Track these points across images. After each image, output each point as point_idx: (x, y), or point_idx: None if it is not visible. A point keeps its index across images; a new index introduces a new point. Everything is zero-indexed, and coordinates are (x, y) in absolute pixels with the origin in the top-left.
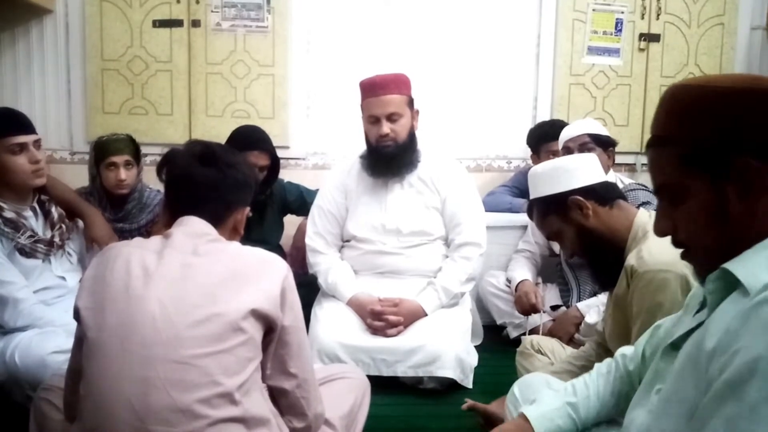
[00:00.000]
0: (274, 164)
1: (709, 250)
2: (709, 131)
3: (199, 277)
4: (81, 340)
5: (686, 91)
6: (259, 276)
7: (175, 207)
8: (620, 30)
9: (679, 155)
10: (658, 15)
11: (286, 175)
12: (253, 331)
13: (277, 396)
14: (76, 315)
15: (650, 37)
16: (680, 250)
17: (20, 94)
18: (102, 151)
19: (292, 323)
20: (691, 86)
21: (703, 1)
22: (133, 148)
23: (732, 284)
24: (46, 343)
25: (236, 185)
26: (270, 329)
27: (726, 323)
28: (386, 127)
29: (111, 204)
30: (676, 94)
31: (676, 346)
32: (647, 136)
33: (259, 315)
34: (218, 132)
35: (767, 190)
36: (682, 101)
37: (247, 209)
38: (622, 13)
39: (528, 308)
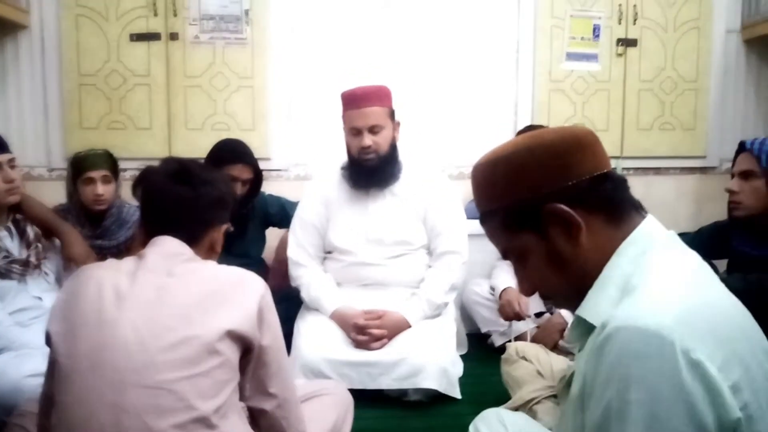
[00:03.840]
0: (257, 178)
1: (565, 295)
2: (511, 195)
3: (173, 299)
4: (53, 365)
5: (480, 170)
6: (235, 296)
7: (150, 226)
8: (598, 35)
9: (501, 223)
10: (635, 20)
11: (267, 186)
12: (230, 352)
13: (256, 417)
14: (48, 340)
15: (628, 42)
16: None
17: None
18: (79, 167)
19: (270, 343)
20: (482, 164)
21: (679, 5)
22: (110, 163)
23: (589, 326)
24: (21, 366)
25: (212, 203)
26: (247, 350)
27: (583, 367)
28: (368, 139)
29: (89, 221)
30: (475, 175)
31: (569, 384)
32: (627, 140)
33: (235, 336)
34: (199, 145)
35: (581, 227)
36: (482, 178)
37: (225, 227)
38: (600, 18)
39: (512, 316)
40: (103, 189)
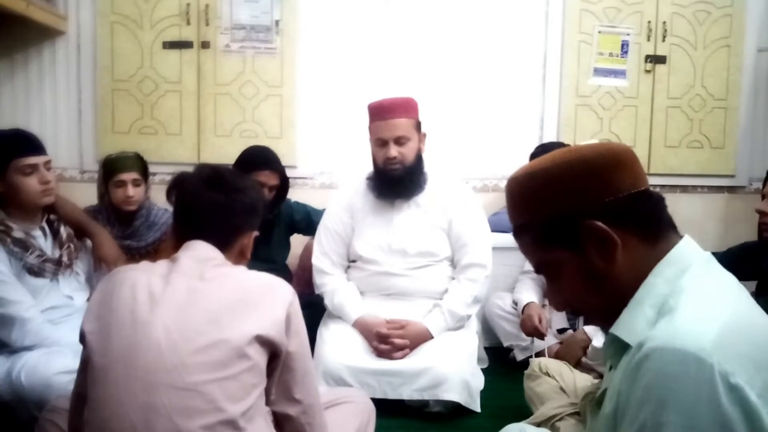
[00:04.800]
0: (284, 184)
1: (599, 311)
2: (547, 209)
3: (204, 303)
4: (86, 363)
5: (517, 182)
6: (264, 301)
7: (183, 230)
8: (626, 52)
9: (535, 237)
10: (664, 37)
11: (293, 194)
12: (258, 357)
13: (281, 422)
14: (82, 339)
15: (656, 59)
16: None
17: (32, 113)
18: (110, 169)
19: (297, 349)
20: (519, 176)
21: (709, 23)
22: (141, 165)
23: (624, 345)
24: (53, 363)
25: (244, 210)
26: (275, 355)
27: (617, 386)
28: (394, 150)
29: (119, 221)
30: (512, 187)
31: (599, 402)
32: (654, 156)
33: (263, 341)
34: (227, 152)
35: (617, 245)
36: (518, 191)
37: (255, 233)
38: (628, 35)
39: (532, 331)
40: (133, 191)
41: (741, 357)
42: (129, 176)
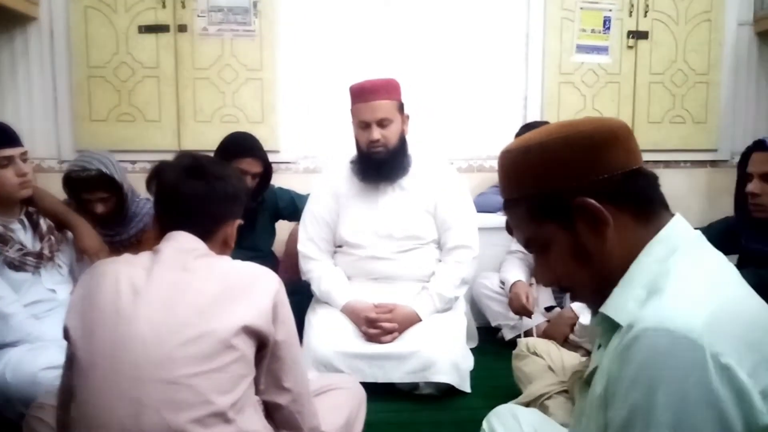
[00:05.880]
0: (267, 171)
1: (588, 288)
2: (541, 184)
3: (189, 295)
4: (71, 359)
5: (511, 155)
6: (249, 292)
7: (165, 220)
8: (608, 28)
9: (526, 212)
10: (646, 12)
11: (276, 179)
12: (245, 347)
13: (271, 411)
14: (66, 335)
15: (638, 35)
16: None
17: (6, 103)
18: (73, 188)
19: (284, 338)
20: (513, 149)
21: None
22: (104, 181)
23: (614, 324)
24: (38, 359)
25: (225, 198)
26: (262, 345)
27: (608, 367)
28: (377, 133)
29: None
30: (505, 160)
31: (588, 381)
32: (637, 132)
33: (250, 331)
34: (207, 138)
35: (609, 223)
36: (511, 165)
37: (238, 222)
38: (610, 11)
39: (519, 309)
40: (102, 208)
41: (731, 337)
42: (93, 196)
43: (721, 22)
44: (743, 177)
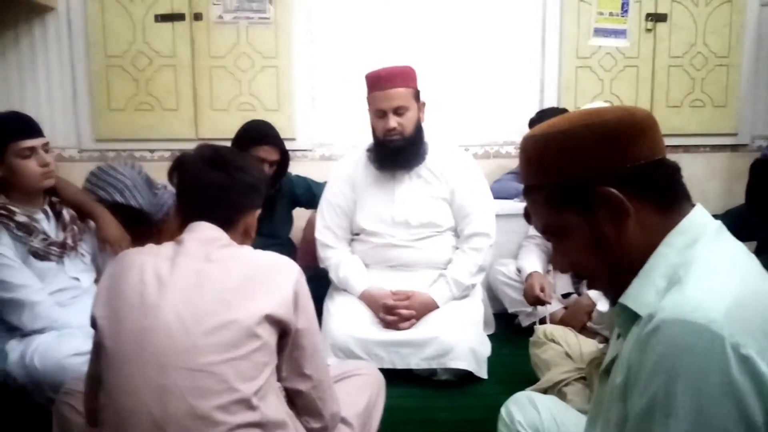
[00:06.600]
0: (284, 159)
1: (606, 277)
2: (562, 172)
3: (212, 284)
4: (98, 347)
5: (533, 141)
6: (271, 281)
7: (186, 211)
8: (626, 11)
9: (546, 198)
10: None
11: (292, 167)
12: (268, 336)
13: (293, 397)
14: (93, 324)
15: (657, 17)
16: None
17: (26, 94)
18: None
19: (305, 326)
20: (536, 135)
21: None
22: (121, 207)
23: (633, 315)
24: (64, 345)
25: (246, 189)
26: (284, 333)
27: (628, 357)
28: (393, 121)
29: None
30: (527, 145)
31: (607, 370)
32: (656, 117)
33: (273, 320)
34: (225, 126)
35: (630, 213)
36: (533, 151)
37: (258, 212)
38: None
39: (534, 300)
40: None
41: (752, 328)
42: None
43: (743, 2)
44: None
